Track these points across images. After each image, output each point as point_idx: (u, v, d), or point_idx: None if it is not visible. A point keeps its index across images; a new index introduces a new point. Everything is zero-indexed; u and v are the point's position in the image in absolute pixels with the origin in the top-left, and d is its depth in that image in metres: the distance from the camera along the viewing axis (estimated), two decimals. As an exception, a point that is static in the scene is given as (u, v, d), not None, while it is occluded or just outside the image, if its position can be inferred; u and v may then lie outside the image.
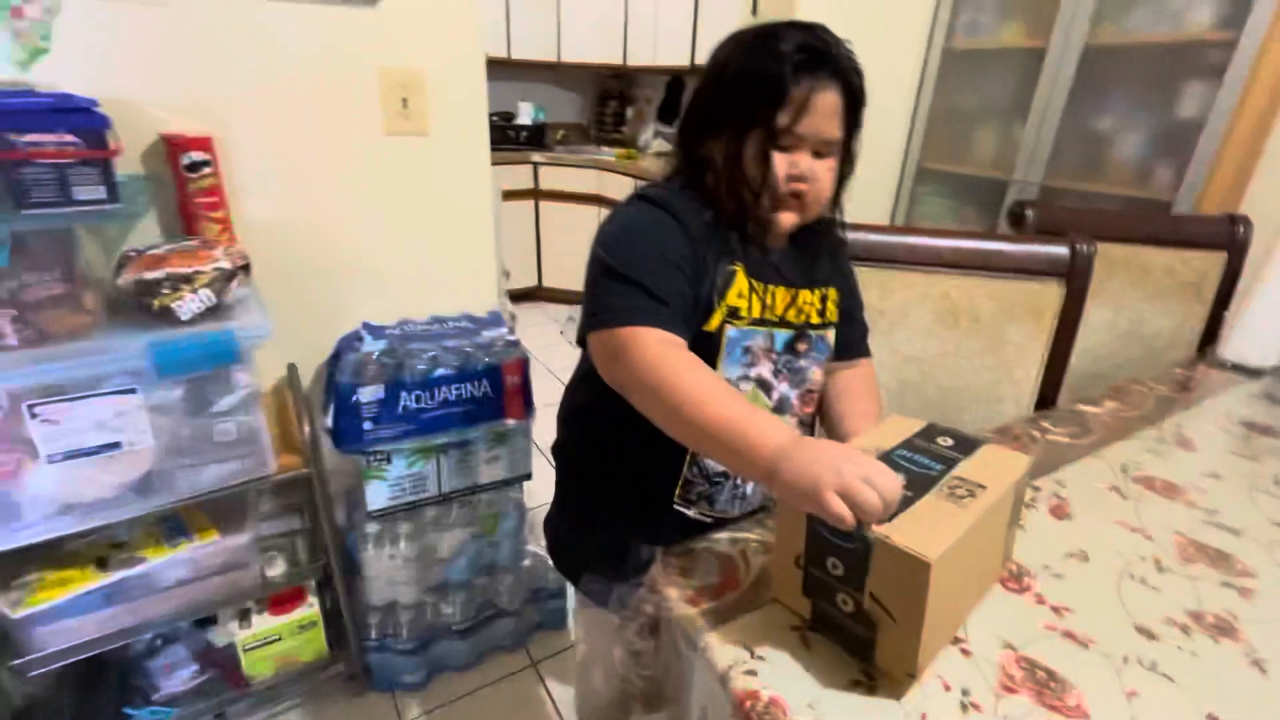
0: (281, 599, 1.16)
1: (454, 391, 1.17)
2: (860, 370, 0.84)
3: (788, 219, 0.70)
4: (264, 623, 1.13)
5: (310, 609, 1.17)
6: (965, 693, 0.50)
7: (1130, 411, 0.98)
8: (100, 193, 0.81)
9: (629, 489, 0.78)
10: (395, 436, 1.14)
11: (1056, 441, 0.89)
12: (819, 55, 0.64)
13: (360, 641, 1.24)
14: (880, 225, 1.09)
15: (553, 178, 3.45)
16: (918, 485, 0.51)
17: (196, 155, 0.99)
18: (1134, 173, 1.78)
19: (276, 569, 1.10)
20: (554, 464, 0.88)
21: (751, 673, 0.50)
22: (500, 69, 3.39)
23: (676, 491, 0.75)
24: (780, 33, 0.65)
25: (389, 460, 1.17)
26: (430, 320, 1.31)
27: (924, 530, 0.46)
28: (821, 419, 0.83)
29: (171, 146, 0.99)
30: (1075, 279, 1.02)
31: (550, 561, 0.96)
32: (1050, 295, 1.05)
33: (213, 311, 0.84)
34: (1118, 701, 0.50)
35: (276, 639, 1.14)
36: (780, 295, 0.73)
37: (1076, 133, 1.87)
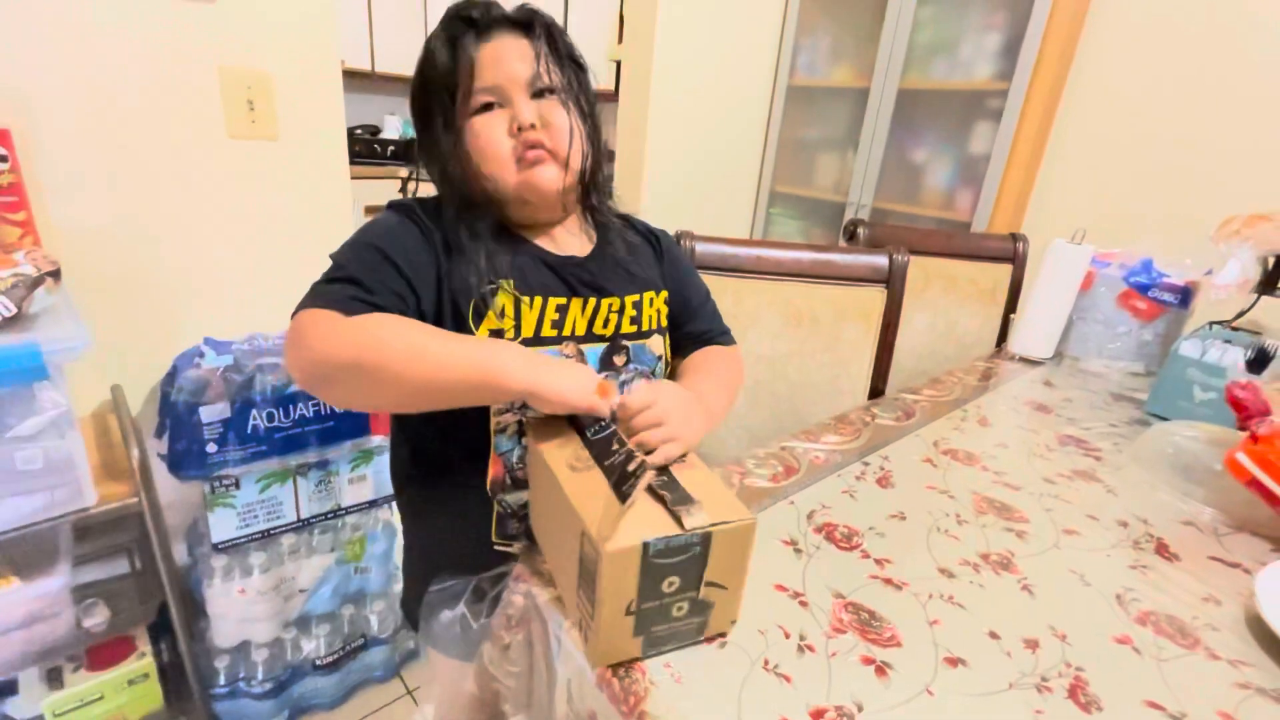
0: (103, 651, 1.02)
1: (312, 408, 1.11)
2: (709, 350, 0.82)
3: (544, 179, 0.66)
4: (80, 681, 0.99)
5: (141, 660, 1.04)
6: (802, 637, 0.56)
7: (943, 397, 1.14)
8: None
9: (450, 538, 0.74)
10: (244, 459, 1.06)
11: (884, 424, 1.02)
12: (471, 21, 0.64)
13: (205, 690, 1.12)
14: (733, 239, 1.18)
15: (423, 192, 3.33)
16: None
17: (-11, 149, 0.87)
18: (942, 197, 2.07)
19: (96, 617, 0.97)
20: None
21: (614, 642, 0.53)
22: (364, 82, 3.25)
23: (493, 531, 0.71)
24: (443, 19, 0.65)
25: (237, 485, 1.08)
26: (284, 334, 1.23)
27: (714, 506, 0.49)
28: None
29: (-45, 138, 0.87)
30: (894, 283, 1.18)
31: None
32: (875, 298, 1.19)
33: (11, 322, 0.74)
34: (923, 630, 0.58)
35: (97, 699, 1.00)
36: (573, 306, 0.68)
37: (898, 162, 2.14)
